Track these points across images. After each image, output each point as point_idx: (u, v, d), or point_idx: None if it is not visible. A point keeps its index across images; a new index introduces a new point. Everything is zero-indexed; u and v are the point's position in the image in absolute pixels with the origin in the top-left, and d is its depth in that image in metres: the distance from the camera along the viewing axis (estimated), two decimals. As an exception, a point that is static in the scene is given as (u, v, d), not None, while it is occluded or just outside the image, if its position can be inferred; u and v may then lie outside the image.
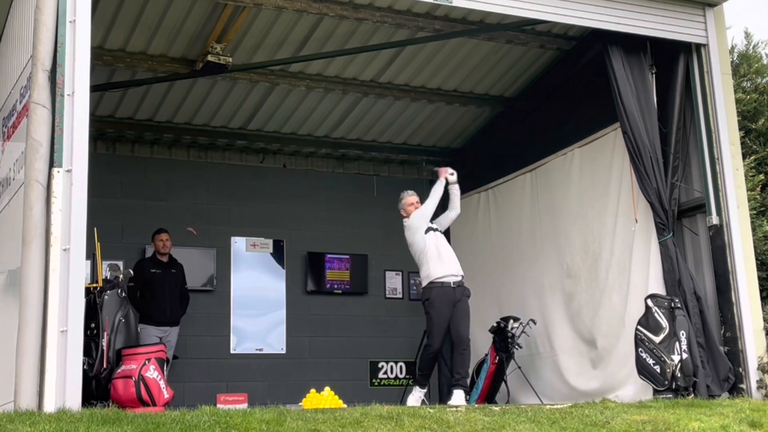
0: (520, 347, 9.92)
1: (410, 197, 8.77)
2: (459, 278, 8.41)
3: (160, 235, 10.04)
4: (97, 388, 6.71)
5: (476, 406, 7.87)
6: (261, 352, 11.27)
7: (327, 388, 7.99)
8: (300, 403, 7.77)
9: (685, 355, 7.88)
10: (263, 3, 8.52)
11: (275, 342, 11.39)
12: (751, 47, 14.98)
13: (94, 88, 7.63)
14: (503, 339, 9.92)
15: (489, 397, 9.92)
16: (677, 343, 7.89)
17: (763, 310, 8.64)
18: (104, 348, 6.73)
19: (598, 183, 9.56)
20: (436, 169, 8.96)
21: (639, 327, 8.09)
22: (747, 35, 15.02)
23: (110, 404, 6.45)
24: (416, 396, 8.39)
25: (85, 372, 6.38)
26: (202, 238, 11.06)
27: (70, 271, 6.03)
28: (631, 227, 8.94)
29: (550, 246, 10.26)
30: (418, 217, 8.54)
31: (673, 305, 8.04)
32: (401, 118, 11.68)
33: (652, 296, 8.19)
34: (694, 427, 6.10)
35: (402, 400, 9.10)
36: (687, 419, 6.25)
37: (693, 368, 7.89)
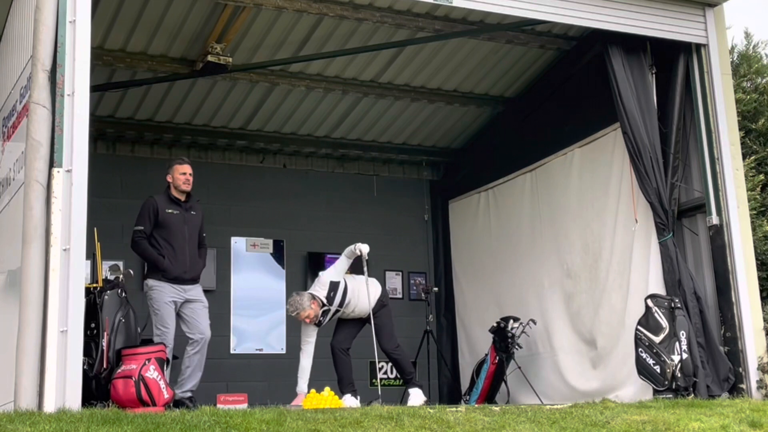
0: (520, 347, 9.92)
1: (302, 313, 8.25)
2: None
3: (182, 166, 7.85)
4: (97, 388, 6.69)
5: (476, 406, 7.88)
6: (261, 352, 11.27)
7: (327, 388, 7.98)
8: (300, 403, 7.77)
9: (685, 355, 7.88)
10: (263, 3, 8.52)
11: (275, 342, 11.40)
12: (751, 47, 14.97)
13: (94, 88, 7.63)
14: (503, 339, 9.92)
15: (489, 397, 9.92)
16: (677, 343, 7.89)
17: (763, 310, 8.64)
18: (104, 348, 6.72)
19: (598, 183, 9.57)
20: None
21: (639, 327, 8.10)
22: (747, 35, 15.02)
23: (110, 404, 6.44)
24: (420, 395, 8.37)
25: (85, 372, 6.37)
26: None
27: (70, 271, 6.03)
28: (631, 227, 8.95)
29: (550, 246, 10.27)
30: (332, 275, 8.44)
31: (673, 305, 8.04)
32: (401, 118, 11.68)
33: (652, 296, 8.19)
34: (694, 427, 6.09)
35: (402, 401, 9.10)
36: (687, 419, 6.25)
37: (693, 368, 7.89)
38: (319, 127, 11.62)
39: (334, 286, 8.26)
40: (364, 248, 8.20)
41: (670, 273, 8.38)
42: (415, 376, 8.50)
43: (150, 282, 7.67)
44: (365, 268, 8.26)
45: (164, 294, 7.57)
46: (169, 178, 7.86)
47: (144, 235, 7.71)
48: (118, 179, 10.75)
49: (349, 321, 8.47)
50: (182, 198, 7.85)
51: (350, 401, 7.99)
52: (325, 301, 8.23)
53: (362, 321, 8.36)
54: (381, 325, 8.37)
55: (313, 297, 8.21)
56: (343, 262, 8.32)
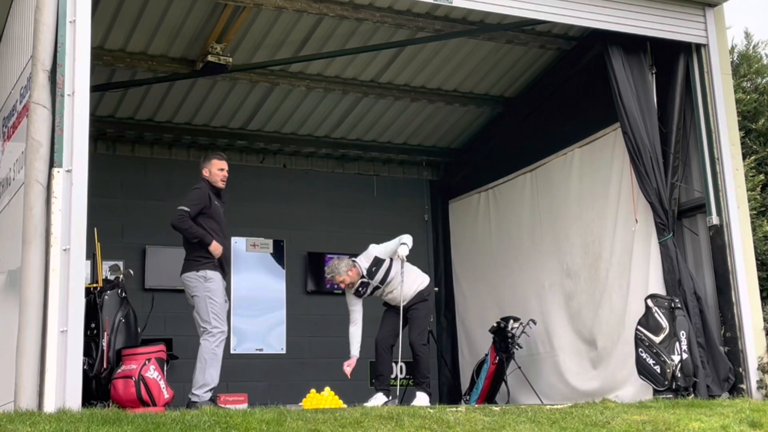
0: (520, 347, 9.92)
1: (337, 277, 8.28)
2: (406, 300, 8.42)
3: (221, 162, 7.61)
4: (97, 388, 6.70)
5: (476, 406, 7.87)
6: (261, 352, 11.26)
7: (327, 388, 7.98)
8: (300, 403, 7.77)
9: (685, 355, 7.88)
10: (263, 3, 8.52)
11: (275, 342, 11.39)
12: (751, 47, 14.97)
13: (94, 88, 7.62)
14: (503, 339, 9.93)
15: (489, 397, 9.92)
16: (677, 343, 7.89)
17: (763, 310, 8.64)
18: (104, 348, 6.73)
19: (598, 183, 9.57)
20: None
21: (639, 327, 8.10)
22: (747, 35, 15.02)
23: (110, 404, 6.44)
24: (426, 401, 8.29)
25: (85, 372, 6.37)
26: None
27: (70, 271, 6.03)
28: (631, 227, 8.95)
29: (550, 246, 10.27)
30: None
31: (673, 305, 8.04)
32: (401, 119, 11.68)
33: (652, 296, 8.19)
34: (694, 427, 6.09)
35: (403, 400, 9.09)
36: (687, 419, 6.25)
37: (693, 368, 7.89)
38: (319, 127, 11.62)
39: (377, 261, 8.30)
40: (402, 251, 8.24)
41: (670, 273, 8.38)
42: (428, 383, 8.38)
43: (208, 273, 7.25)
44: (402, 267, 8.31)
45: (220, 284, 7.33)
46: (205, 172, 7.56)
47: (189, 216, 7.29)
48: (118, 179, 10.75)
49: (393, 317, 8.38)
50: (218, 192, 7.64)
51: (379, 399, 8.00)
52: (364, 272, 8.25)
53: (405, 319, 8.36)
54: (415, 317, 8.37)
55: (353, 265, 8.26)
56: (393, 244, 8.34)
